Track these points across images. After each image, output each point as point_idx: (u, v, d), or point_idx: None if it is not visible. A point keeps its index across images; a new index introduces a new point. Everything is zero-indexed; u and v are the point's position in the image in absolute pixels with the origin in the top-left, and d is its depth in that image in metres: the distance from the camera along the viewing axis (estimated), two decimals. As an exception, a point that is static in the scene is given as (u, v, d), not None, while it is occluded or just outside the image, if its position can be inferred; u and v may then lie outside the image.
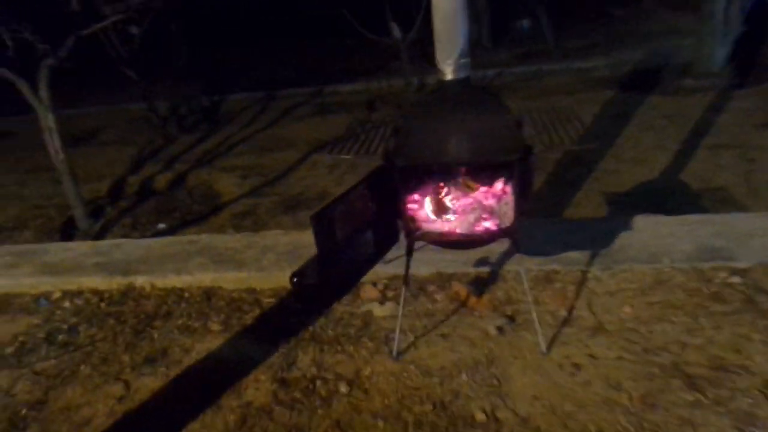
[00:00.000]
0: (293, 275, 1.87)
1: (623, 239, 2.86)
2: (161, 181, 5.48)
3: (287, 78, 7.52)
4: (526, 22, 6.71)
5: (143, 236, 4.19)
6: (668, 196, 3.97)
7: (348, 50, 7.69)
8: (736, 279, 2.58)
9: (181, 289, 3.02)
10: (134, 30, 6.50)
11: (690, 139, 4.86)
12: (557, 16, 6.82)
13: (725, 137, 4.82)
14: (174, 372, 2.50)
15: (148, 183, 5.46)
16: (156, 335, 2.75)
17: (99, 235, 4.42)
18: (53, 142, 4.15)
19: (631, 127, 5.28)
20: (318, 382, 2.34)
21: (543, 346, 2.33)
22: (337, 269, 2.10)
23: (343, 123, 2.46)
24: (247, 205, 4.72)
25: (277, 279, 2.90)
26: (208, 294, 2.98)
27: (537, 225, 2.98)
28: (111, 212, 4.90)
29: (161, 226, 4.59)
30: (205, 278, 3.00)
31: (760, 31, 6.07)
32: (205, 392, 2.34)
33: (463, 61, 2.31)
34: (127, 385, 2.46)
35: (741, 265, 2.63)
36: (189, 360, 2.56)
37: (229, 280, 2.97)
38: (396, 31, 6.25)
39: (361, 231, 2.15)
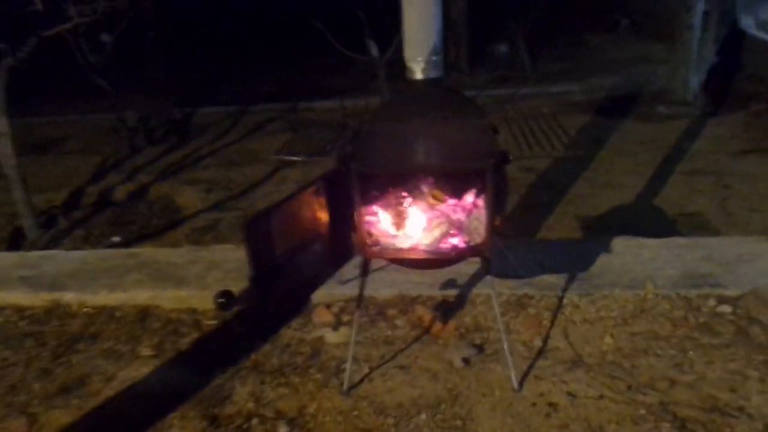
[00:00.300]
0: (217, 295, 1.49)
1: (603, 262, 2.52)
2: (121, 192, 5.05)
3: (263, 94, 7.18)
4: (503, 47, 6.47)
5: (95, 249, 3.77)
6: (643, 221, 3.70)
7: (326, 69, 7.39)
8: (726, 308, 2.26)
9: (114, 308, 2.61)
10: (106, 38, 6.11)
11: (665, 164, 4.62)
12: (534, 42, 6.60)
13: (700, 163, 4.59)
14: (89, 405, 2.08)
15: (107, 194, 5.04)
16: (76, 360, 2.33)
17: (47, 247, 4.00)
18: (4, 148, 3.76)
19: (605, 151, 5.02)
20: (254, 420, 1.94)
21: (515, 382, 1.97)
22: (279, 288, 1.73)
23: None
24: (208, 220, 4.32)
25: (222, 298, 2.50)
26: (143, 314, 2.57)
27: (509, 245, 2.63)
28: (63, 223, 4.47)
29: (115, 239, 4.17)
30: (141, 296, 2.59)
31: (733, 61, 5.93)
32: (120, 431, 1.93)
33: (435, 59, 1.99)
34: (32, 419, 2.03)
35: (730, 292, 2.31)
36: (108, 391, 2.14)
37: (168, 298, 2.57)
38: (374, 50, 5.96)
39: (308, 245, 1.78)
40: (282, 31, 7.33)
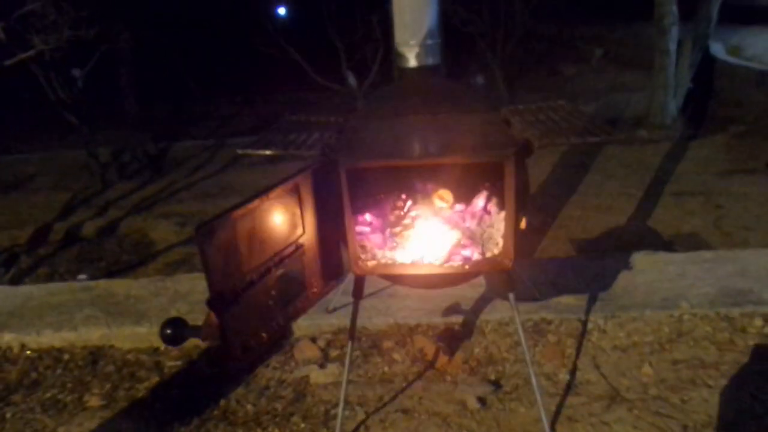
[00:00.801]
0: (163, 326, 1.04)
1: (625, 280, 2.11)
2: (90, 228, 4.54)
3: (240, 128, 6.79)
4: (480, 78, 6.21)
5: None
6: (639, 243, 3.36)
7: (305, 102, 7.05)
8: (776, 328, 1.86)
9: (60, 350, 2.10)
10: (76, 73, 5.69)
11: (653, 186, 4.32)
12: (511, 73, 6.36)
13: (688, 185, 4.30)
14: (13, 473, 1.57)
15: (75, 230, 4.52)
16: (10, 414, 1.81)
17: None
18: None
19: (592, 175, 4.72)
20: (222, 488, 1.45)
21: (546, 427, 1.52)
22: (248, 316, 1.27)
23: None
24: (182, 254, 3.83)
25: (188, 335, 2.02)
26: (95, 356, 2.06)
27: (517, 265, 2.22)
28: (27, 261, 3.95)
29: (82, 276, 3.65)
30: (94, 335, 2.09)
31: (707, 86, 5.78)
32: None
33: (431, 42, 1.60)
34: (-64, 496, 1.51)
35: (777, 310, 1.91)
36: (42, 453, 1.64)
37: (125, 336, 2.08)
38: (351, 80, 5.66)
39: (285, 259, 1.34)
40: (260, 64, 6.99)
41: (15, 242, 4.36)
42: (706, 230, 3.49)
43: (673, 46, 5.06)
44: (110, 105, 7.00)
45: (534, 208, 4.04)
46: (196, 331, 1.16)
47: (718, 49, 5.77)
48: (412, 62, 1.63)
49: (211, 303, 1.11)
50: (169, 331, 1.09)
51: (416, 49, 1.61)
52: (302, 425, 1.64)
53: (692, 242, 3.41)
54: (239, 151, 1.51)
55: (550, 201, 4.14)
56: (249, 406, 1.73)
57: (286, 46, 5.65)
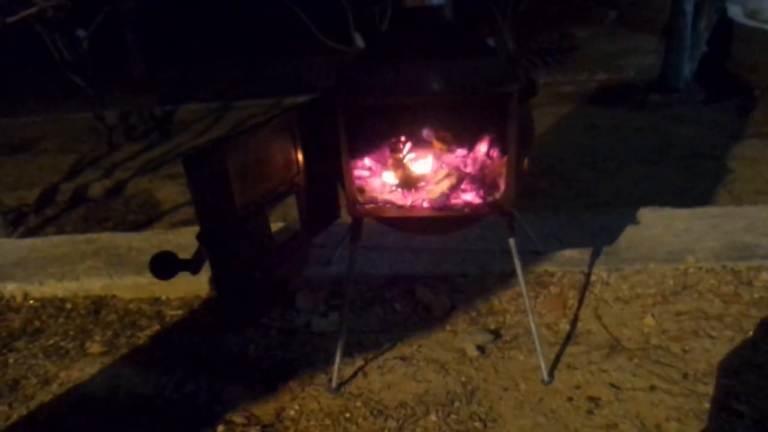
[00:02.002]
0: (153, 260, 1.02)
1: (631, 235, 2.08)
2: (97, 188, 4.54)
3: (247, 90, 6.72)
4: (490, 41, 6.06)
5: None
6: (649, 205, 3.32)
7: (312, 66, 6.95)
8: (783, 281, 1.82)
9: (63, 300, 2.11)
10: (81, 34, 5.61)
11: (663, 150, 4.23)
12: (521, 36, 6.21)
13: (699, 148, 4.21)
14: (18, 413, 1.58)
15: (83, 191, 4.53)
16: (12, 360, 1.83)
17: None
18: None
19: (602, 138, 4.63)
20: (220, 428, 1.45)
21: (545, 372, 1.51)
22: (239, 252, 1.25)
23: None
24: (188, 214, 3.83)
25: (188, 286, 2.02)
26: (97, 305, 2.07)
27: (522, 219, 2.19)
28: (35, 220, 3.97)
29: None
30: (96, 285, 2.09)
31: (723, 49, 5.62)
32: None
33: (435, -20, 1.54)
34: (-59, 433, 1.53)
35: (786, 264, 1.87)
36: (44, 395, 1.64)
37: (127, 287, 2.08)
38: (359, 41, 5.53)
39: (279, 198, 1.31)
40: (268, 27, 6.88)
41: (23, 202, 4.38)
42: (716, 194, 3.43)
43: (689, 8, 4.90)
44: (116, 67, 6.95)
45: (542, 171, 3.98)
46: (185, 264, 1.15)
47: (736, 12, 5.58)
48: (415, 1, 1.57)
49: (200, 237, 1.09)
50: (157, 264, 1.08)
51: (419, -12, 1.56)
52: (301, 370, 1.64)
53: (701, 205, 3.36)
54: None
55: (559, 164, 4.08)
56: (250, 353, 1.73)
57: (293, 7, 5.54)
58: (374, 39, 1.81)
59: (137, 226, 3.72)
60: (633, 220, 2.15)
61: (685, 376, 1.50)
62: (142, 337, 1.88)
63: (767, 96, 5.18)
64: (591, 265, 1.94)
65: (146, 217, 3.90)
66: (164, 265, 1.09)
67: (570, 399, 1.46)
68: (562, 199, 3.46)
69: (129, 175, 4.80)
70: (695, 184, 3.60)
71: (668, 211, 2.23)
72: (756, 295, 1.78)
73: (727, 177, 3.77)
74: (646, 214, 2.21)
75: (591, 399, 1.45)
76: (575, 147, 4.38)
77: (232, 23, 7.26)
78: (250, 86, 6.81)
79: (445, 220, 1.44)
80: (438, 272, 1.97)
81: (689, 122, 4.78)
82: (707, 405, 1.41)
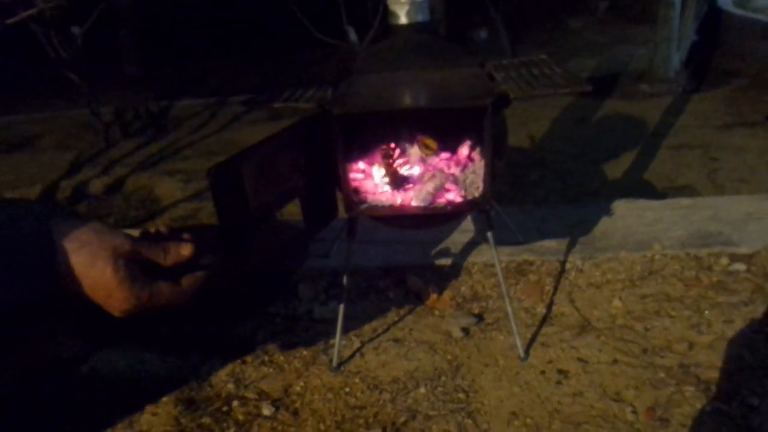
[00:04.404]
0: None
1: (605, 225, 2.32)
2: (97, 185, 4.76)
3: (243, 86, 6.91)
4: (483, 32, 6.27)
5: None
6: (633, 195, 3.55)
7: (308, 60, 7.15)
8: (739, 266, 2.06)
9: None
10: (76, 31, 5.79)
11: (651, 140, 4.46)
12: (514, 27, 6.41)
13: (687, 138, 4.44)
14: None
15: (82, 188, 4.74)
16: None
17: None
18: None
19: (591, 129, 4.86)
20: (235, 403, 1.70)
21: (520, 350, 1.75)
22: (254, 252, 1.48)
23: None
24: (188, 209, 4.05)
25: (199, 277, 2.25)
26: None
27: (505, 212, 2.43)
28: (37, 218, 4.18)
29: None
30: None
31: (712, 39, 5.83)
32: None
33: (420, 0, 1.78)
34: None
35: (743, 250, 2.11)
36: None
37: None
38: (352, 35, 5.73)
39: (283, 201, 1.55)
40: (262, 23, 7.07)
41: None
42: (700, 183, 3.66)
43: (677, -1, 5.08)
44: (111, 64, 7.12)
45: (531, 162, 4.21)
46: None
47: (725, 1, 5.80)
48: (403, 19, 1.81)
49: (221, 236, 1.32)
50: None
51: (406, 7, 1.79)
52: (305, 353, 1.88)
53: (685, 195, 3.59)
54: (237, 99, 1.69)
55: (548, 155, 4.31)
56: (259, 338, 1.97)
57: (288, 3, 5.72)
58: (366, 55, 2.04)
59: (138, 222, 3.95)
60: (608, 212, 2.40)
61: (645, 350, 1.75)
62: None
63: (755, 85, 5.40)
64: (567, 254, 2.19)
65: (147, 213, 4.13)
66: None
67: (542, 372, 1.70)
68: (551, 191, 3.69)
69: (127, 172, 5.01)
70: (681, 175, 3.83)
71: (642, 203, 2.47)
72: (714, 279, 2.03)
73: (711, 166, 3.99)
74: (621, 205, 2.45)
75: (561, 372, 1.70)
76: (565, 139, 4.60)
77: (226, 19, 7.44)
78: (244, 81, 7.02)
79: (431, 217, 1.68)
80: (427, 263, 2.22)
81: (678, 113, 5.01)
82: (662, 375, 1.66)
